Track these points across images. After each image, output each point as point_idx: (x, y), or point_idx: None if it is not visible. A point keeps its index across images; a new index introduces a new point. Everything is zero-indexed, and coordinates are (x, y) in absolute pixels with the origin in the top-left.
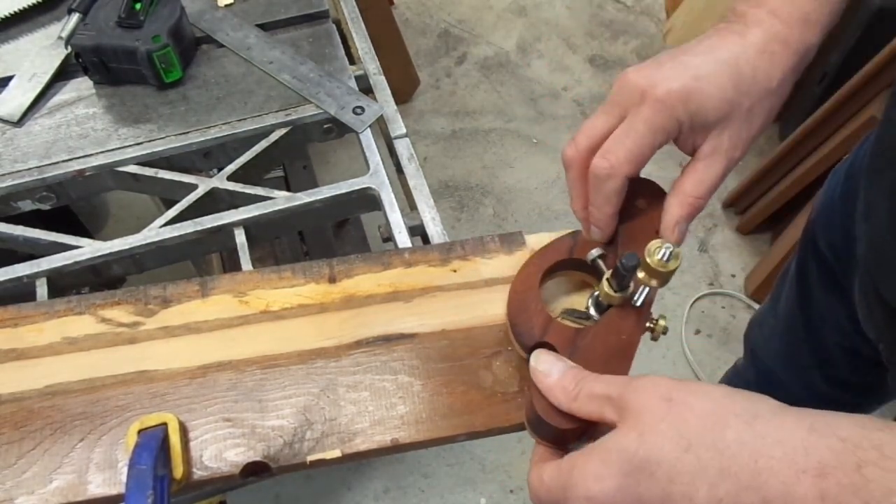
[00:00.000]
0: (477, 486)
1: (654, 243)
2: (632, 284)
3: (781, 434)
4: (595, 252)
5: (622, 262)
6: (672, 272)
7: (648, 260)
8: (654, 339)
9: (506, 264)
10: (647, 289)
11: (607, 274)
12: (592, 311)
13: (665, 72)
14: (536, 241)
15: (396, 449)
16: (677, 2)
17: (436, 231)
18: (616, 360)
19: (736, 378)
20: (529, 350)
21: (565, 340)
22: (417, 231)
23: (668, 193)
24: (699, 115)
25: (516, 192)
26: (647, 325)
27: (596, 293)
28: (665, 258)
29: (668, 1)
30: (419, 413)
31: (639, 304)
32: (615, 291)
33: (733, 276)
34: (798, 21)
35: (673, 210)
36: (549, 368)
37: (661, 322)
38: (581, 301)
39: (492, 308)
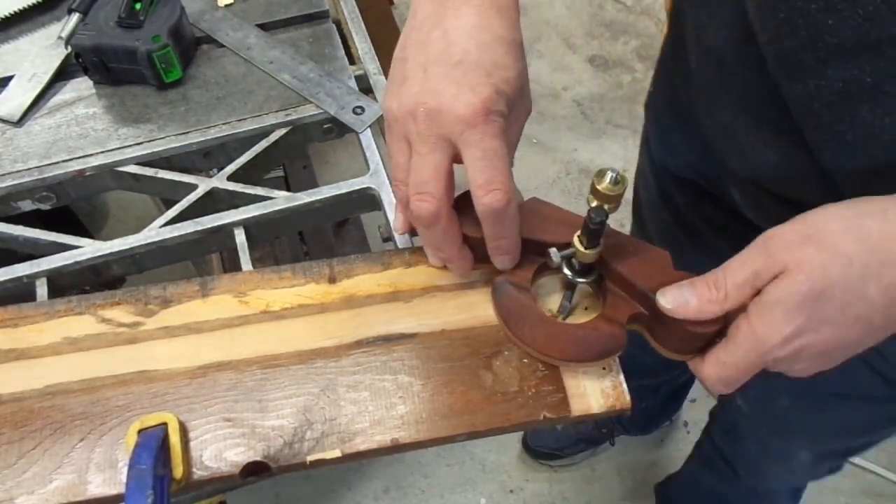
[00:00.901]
0: (477, 486)
1: (599, 171)
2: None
3: None
4: (555, 254)
5: (594, 219)
6: (622, 194)
7: (600, 187)
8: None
9: None
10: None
11: (580, 245)
12: (574, 277)
13: (465, 86)
14: None
15: (396, 449)
16: None
17: None
18: (654, 258)
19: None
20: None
21: (626, 304)
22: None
23: None
24: (511, 99)
25: None
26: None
27: (568, 264)
28: (614, 181)
29: (668, 1)
30: (419, 413)
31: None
32: (596, 247)
33: None
34: None
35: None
36: (682, 299)
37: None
38: (553, 299)
39: (491, 308)
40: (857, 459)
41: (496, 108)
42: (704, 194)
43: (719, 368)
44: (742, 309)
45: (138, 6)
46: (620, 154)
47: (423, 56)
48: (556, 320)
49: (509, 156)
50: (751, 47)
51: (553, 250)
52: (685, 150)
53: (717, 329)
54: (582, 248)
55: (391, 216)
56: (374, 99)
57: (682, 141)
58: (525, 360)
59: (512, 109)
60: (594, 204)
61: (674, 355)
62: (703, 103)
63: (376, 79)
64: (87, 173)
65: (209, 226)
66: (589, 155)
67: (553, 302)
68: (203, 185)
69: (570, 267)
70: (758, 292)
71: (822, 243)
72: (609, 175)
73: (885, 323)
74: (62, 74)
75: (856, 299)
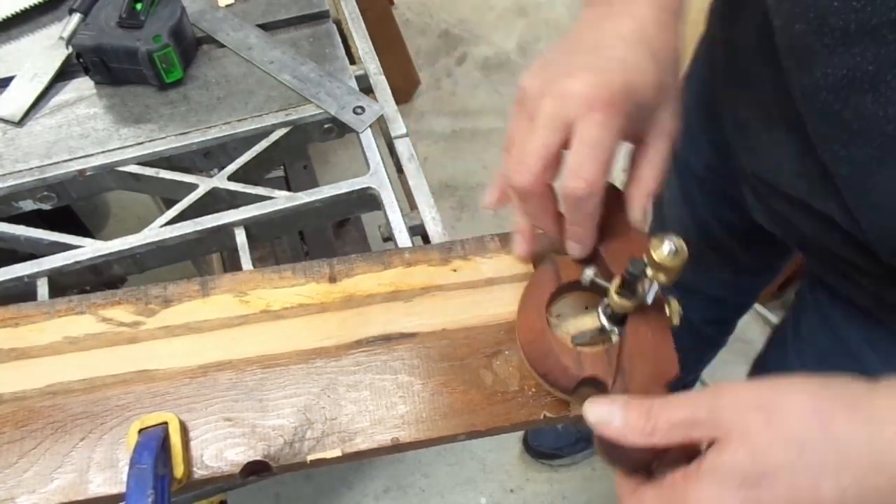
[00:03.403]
0: (477, 486)
1: (656, 240)
2: (640, 285)
3: (887, 412)
4: (589, 272)
5: (630, 271)
6: (681, 266)
7: (655, 256)
8: (671, 324)
9: (506, 264)
10: (655, 285)
11: (614, 286)
12: (606, 324)
13: (597, 72)
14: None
15: (397, 448)
16: None
17: (436, 231)
18: (661, 361)
19: None
20: (572, 391)
21: (604, 365)
22: (417, 231)
23: (626, 187)
24: (642, 105)
25: None
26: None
27: (605, 305)
28: (672, 252)
29: None
30: (419, 412)
31: (650, 301)
32: (629, 300)
33: None
34: None
35: (637, 201)
36: (607, 417)
37: (674, 304)
38: (586, 321)
39: (492, 307)
40: None
41: (621, 101)
42: (723, 196)
43: None
44: (684, 456)
45: (139, 6)
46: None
47: (572, 49)
48: (549, 319)
49: (657, 167)
50: (770, 42)
51: (589, 270)
52: (706, 148)
53: (648, 457)
54: (613, 292)
55: (391, 216)
56: (375, 99)
57: (704, 138)
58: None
59: (639, 120)
60: (646, 262)
61: (602, 456)
62: (724, 99)
63: (376, 79)
64: (88, 173)
65: (209, 226)
66: None
67: (573, 325)
68: (203, 184)
69: (606, 311)
70: (692, 443)
71: (773, 418)
72: (667, 245)
73: None
74: (63, 74)
75: (806, 497)
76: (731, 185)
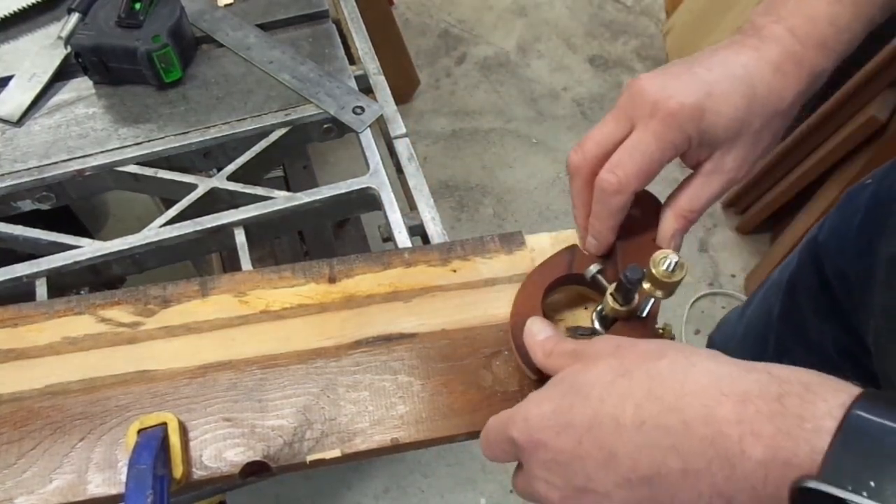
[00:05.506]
0: (477, 486)
1: (658, 254)
2: (636, 296)
3: (713, 365)
4: (594, 268)
5: (626, 276)
6: (678, 283)
7: (654, 271)
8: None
9: (505, 264)
10: (651, 299)
11: (611, 288)
12: (598, 326)
13: (679, 84)
14: (536, 241)
15: (396, 449)
16: (677, 2)
17: (436, 231)
18: None
19: None
20: (539, 373)
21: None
22: (417, 231)
23: (663, 205)
24: (709, 132)
25: (516, 192)
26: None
27: (600, 308)
28: (670, 268)
29: (668, 1)
30: (419, 413)
31: (644, 314)
32: (621, 305)
33: (733, 276)
34: (815, 44)
35: (669, 223)
36: (538, 330)
37: (668, 328)
38: (584, 316)
39: (492, 308)
40: None
41: (684, 118)
42: (831, 310)
43: (489, 422)
44: None
45: (138, 6)
46: None
47: (688, 61)
48: (542, 302)
49: (696, 200)
50: None
51: (595, 265)
52: (850, 249)
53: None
54: (609, 294)
55: (391, 216)
56: (374, 99)
57: (854, 239)
58: None
59: (703, 147)
60: (644, 272)
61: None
62: None
63: (376, 79)
64: (87, 173)
65: (209, 226)
66: None
67: (571, 318)
68: (203, 184)
69: (600, 311)
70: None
71: (619, 351)
72: (667, 261)
73: (635, 465)
74: (62, 74)
75: (606, 416)
76: (854, 309)
